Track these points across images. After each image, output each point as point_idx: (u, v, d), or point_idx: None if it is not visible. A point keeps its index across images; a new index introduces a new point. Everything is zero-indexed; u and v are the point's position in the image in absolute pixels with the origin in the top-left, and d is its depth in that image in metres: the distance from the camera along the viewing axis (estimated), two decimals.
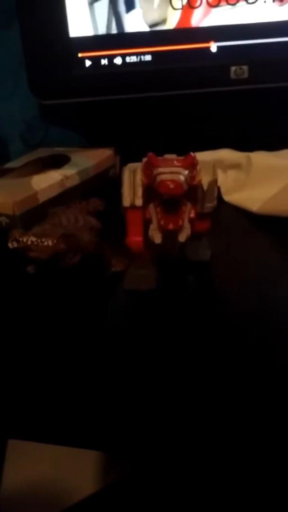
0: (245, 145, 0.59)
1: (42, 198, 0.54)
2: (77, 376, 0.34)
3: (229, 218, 0.54)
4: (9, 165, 0.64)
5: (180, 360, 0.35)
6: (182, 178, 0.34)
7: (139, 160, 0.39)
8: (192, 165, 0.36)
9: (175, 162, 0.36)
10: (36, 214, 0.50)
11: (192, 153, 0.36)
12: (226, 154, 0.59)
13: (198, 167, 0.37)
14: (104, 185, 0.62)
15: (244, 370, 0.34)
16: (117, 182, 0.41)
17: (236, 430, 0.30)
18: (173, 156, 0.38)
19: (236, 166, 0.58)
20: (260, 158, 0.56)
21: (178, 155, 0.38)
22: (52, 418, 0.32)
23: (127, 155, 0.50)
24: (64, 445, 0.33)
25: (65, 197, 0.56)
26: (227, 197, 0.57)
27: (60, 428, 0.32)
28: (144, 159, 0.37)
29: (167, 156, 0.38)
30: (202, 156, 0.38)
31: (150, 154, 0.36)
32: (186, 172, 0.35)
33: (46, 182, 0.55)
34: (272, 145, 0.59)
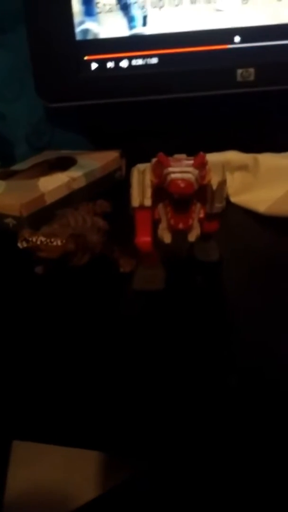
0: (252, 147, 0.59)
1: (49, 200, 0.54)
2: (82, 377, 0.34)
3: (237, 219, 0.54)
4: (16, 167, 0.64)
5: (188, 361, 0.35)
6: (192, 177, 0.34)
7: (145, 163, 0.39)
8: (202, 165, 0.36)
9: (185, 161, 0.36)
10: (43, 215, 0.50)
11: (202, 153, 0.36)
12: (233, 156, 0.59)
13: (207, 167, 0.37)
14: (110, 187, 0.62)
15: (252, 371, 0.34)
16: (123, 184, 0.41)
17: (243, 432, 0.30)
18: (183, 156, 0.38)
19: (243, 167, 0.58)
20: (267, 159, 0.56)
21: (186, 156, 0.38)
22: (56, 419, 0.32)
23: (133, 158, 0.50)
24: (68, 446, 0.32)
25: (71, 199, 0.56)
26: (234, 199, 0.57)
27: (64, 429, 0.32)
28: (154, 159, 0.38)
29: (177, 156, 0.38)
30: (210, 158, 0.38)
31: (160, 153, 0.36)
32: (197, 171, 0.35)
33: (53, 184, 0.55)
34: (279, 147, 0.59)
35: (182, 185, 0.34)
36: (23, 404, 0.33)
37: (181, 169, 0.35)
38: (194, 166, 0.35)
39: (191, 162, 0.36)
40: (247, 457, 0.29)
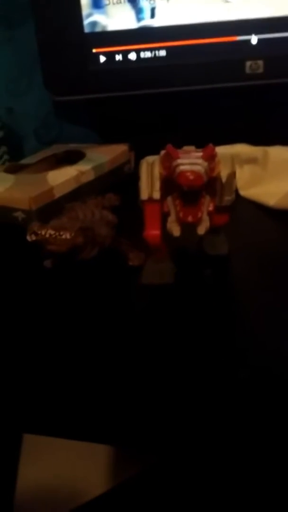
0: (262, 140, 0.59)
1: (58, 193, 0.54)
2: (91, 371, 0.34)
3: (246, 213, 0.54)
4: (25, 161, 0.64)
5: (197, 355, 0.35)
6: (201, 169, 0.34)
7: (154, 155, 0.39)
8: (211, 157, 0.36)
9: (194, 153, 0.36)
10: (52, 209, 0.50)
11: (211, 145, 0.36)
12: (242, 149, 0.59)
13: (216, 159, 0.37)
14: (119, 181, 0.62)
15: (261, 365, 0.34)
16: (132, 177, 0.41)
17: (251, 428, 0.30)
18: (192, 148, 0.38)
19: (252, 160, 0.57)
20: (276, 152, 0.56)
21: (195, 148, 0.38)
22: (66, 412, 0.32)
23: (142, 151, 0.50)
24: (78, 439, 0.32)
25: (80, 193, 0.56)
26: (243, 192, 0.56)
27: (74, 423, 0.32)
28: (163, 151, 0.37)
29: (186, 148, 0.38)
30: (219, 151, 0.38)
31: (169, 145, 0.36)
32: (206, 163, 0.35)
33: (62, 177, 0.55)
34: None
35: (191, 177, 0.34)
36: (33, 398, 0.33)
37: (190, 161, 0.35)
38: (203, 158, 0.35)
39: (200, 154, 0.35)
40: (255, 453, 0.29)
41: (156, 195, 0.38)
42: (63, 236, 0.40)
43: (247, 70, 0.60)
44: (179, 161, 0.35)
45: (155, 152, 0.39)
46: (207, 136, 0.44)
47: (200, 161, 0.35)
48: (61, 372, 0.35)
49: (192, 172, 0.34)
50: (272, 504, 0.47)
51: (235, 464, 0.30)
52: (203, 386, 0.32)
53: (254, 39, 0.59)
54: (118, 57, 0.61)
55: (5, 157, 0.69)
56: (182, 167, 0.34)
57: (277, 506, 0.47)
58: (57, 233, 0.40)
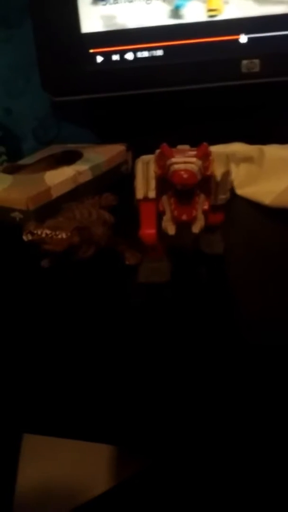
0: (258, 138, 0.59)
1: (55, 194, 0.54)
2: (91, 370, 0.35)
3: (242, 211, 0.54)
4: (23, 161, 0.64)
5: (194, 353, 0.35)
6: (195, 168, 0.34)
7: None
8: (206, 156, 0.36)
9: (188, 152, 0.36)
10: (50, 209, 0.51)
11: (205, 143, 0.36)
12: (238, 148, 0.59)
13: (211, 158, 0.37)
14: (116, 181, 0.62)
15: (257, 364, 0.34)
16: (130, 178, 0.41)
17: (249, 426, 0.30)
18: (186, 147, 0.38)
19: (248, 159, 0.58)
20: (272, 150, 0.56)
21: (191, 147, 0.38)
22: (66, 412, 0.32)
23: (140, 151, 0.50)
24: (78, 439, 0.33)
25: (78, 193, 0.56)
26: (239, 191, 0.56)
27: (74, 422, 0.32)
28: (158, 150, 0.38)
29: (180, 147, 0.38)
30: (215, 150, 0.38)
31: (164, 145, 0.36)
32: (200, 162, 0.35)
33: (59, 177, 0.55)
34: (284, 138, 0.58)
35: (185, 175, 0.34)
36: (33, 398, 0.33)
37: (184, 160, 0.35)
38: (198, 156, 0.35)
39: (195, 153, 0.36)
40: (253, 450, 0.29)
41: (152, 194, 0.39)
42: (59, 236, 0.40)
43: (244, 69, 0.60)
44: (173, 160, 0.35)
45: (152, 152, 0.39)
46: (204, 135, 0.45)
47: (194, 159, 0.35)
48: (60, 371, 0.35)
49: (186, 170, 0.34)
50: (270, 502, 0.47)
51: (234, 465, 0.30)
52: (201, 383, 0.33)
53: (250, 38, 0.59)
54: (115, 57, 0.61)
55: (3, 157, 0.69)
56: (176, 166, 0.34)
57: (275, 506, 0.47)
58: (53, 233, 0.40)
